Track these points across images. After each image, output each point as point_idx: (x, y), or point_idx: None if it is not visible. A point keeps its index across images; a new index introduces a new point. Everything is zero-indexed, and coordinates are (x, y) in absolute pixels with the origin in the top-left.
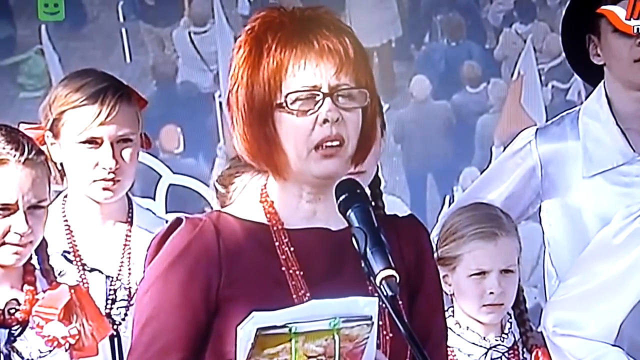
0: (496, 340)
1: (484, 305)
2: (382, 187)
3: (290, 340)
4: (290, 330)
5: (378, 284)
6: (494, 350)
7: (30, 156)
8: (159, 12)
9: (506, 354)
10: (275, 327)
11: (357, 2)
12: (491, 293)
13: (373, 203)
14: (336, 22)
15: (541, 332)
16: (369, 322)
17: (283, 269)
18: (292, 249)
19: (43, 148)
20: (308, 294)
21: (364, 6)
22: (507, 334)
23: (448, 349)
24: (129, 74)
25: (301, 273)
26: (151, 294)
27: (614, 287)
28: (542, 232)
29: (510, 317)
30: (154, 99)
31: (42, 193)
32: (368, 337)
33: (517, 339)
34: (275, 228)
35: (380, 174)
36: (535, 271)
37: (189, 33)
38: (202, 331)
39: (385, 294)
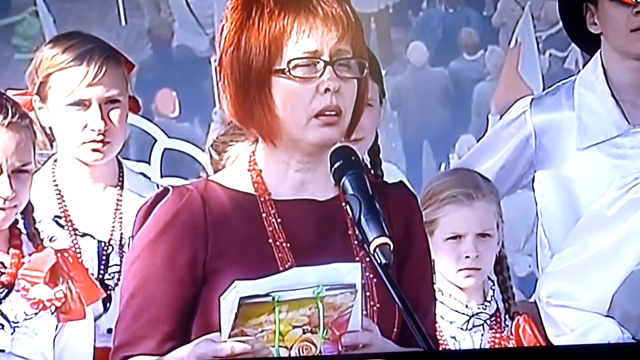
0: (478, 307)
1: (460, 270)
2: (381, 155)
3: (274, 309)
4: (273, 299)
5: (372, 252)
6: (476, 318)
7: (13, 119)
8: None
9: (488, 321)
10: (258, 295)
11: None
12: (467, 257)
13: (372, 171)
14: None
15: (534, 302)
16: (352, 289)
17: (270, 240)
18: (279, 220)
19: (31, 114)
20: (294, 266)
21: None
22: (489, 302)
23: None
24: (124, 36)
25: (288, 245)
26: (137, 265)
27: (607, 258)
28: (535, 201)
29: (493, 284)
30: (150, 63)
31: (27, 157)
32: (352, 306)
33: (499, 306)
34: (262, 199)
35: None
36: (530, 240)
37: None
38: (189, 303)
39: (379, 261)
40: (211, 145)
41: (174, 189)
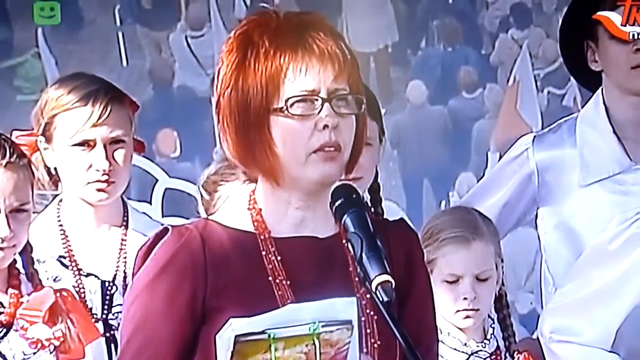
0: (477, 346)
1: (458, 311)
2: (381, 193)
3: (270, 346)
4: (269, 336)
5: (374, 290)
6: (476, 356)
7: (12, 159)
8: (155, 16)
9: (488, 359)
10: (253, 333)
11: (354, 7)
12: (465, 299)
13: (373, 209)
14: (330, 27)
15: (537, 338)
16: (348, 326)
17: (270, 278)
18: (279, 258)
19: (36, 154)
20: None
21: (361, 11)
22: (489, 339)
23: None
24: (125, 77)
25: (288, 282)
26: (137, 304)
27: (610, 293)
28: (538, 238)
29: (493, 322)
30: (151, 103)
31: (25, 196)
32: (350, 342)
33: (499, 343)
34: (262, 237)
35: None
36: (532, 277)
37: (186, 37)
38: (189, 342)
39: (381, 299)
40: (201, 185)
41: (174, 228)
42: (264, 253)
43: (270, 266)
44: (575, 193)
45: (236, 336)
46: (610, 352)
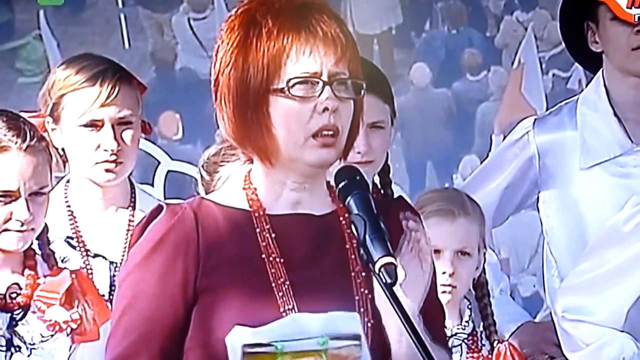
0: (456, 328)
1: None
2: (391, 175)
3: None
4: (276, 348)
5: (377, 272)
6: (455, 338)
7: (32, 143)
8: None
9: (466, 340)
10: (260, 344)
11: None
12: (443, 273)
13: (382, 191)
14: (333, 10)
15: (538, 323)
16: (357, 342)
17: (263, 256)
18: (273, 235)
19: (44, 135)
20: (287, 282)
21: None
22: (467, 322)
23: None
24: (127, 59)
25: (281, 260)
26: (130, 281)
27: (623, 273)
28: (540, 221)
29: (469, 304)
30: (153, 85)
31: (44, 180)
32: (360, 357)
33: (476, 325)
34: (256, 214)
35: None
36: (534, 260)
37: (188, 19)
38: (181, 320)
39: (384, 280)
40: (202, 166)
41: (168, 206)
42: (258, 230)
43: (264, 243)
44: (576, 176)
45: (243, 346)
46: (621, 331)
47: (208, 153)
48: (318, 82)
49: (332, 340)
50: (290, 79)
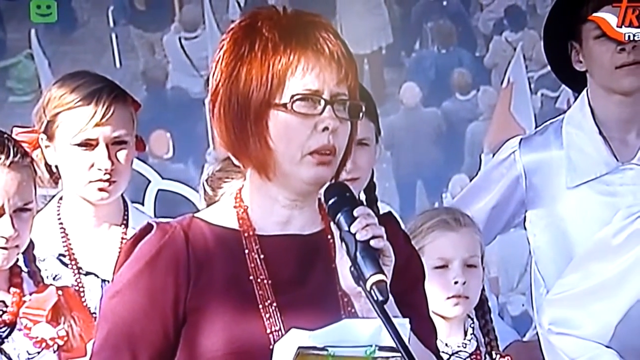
0: (458, 346)
1: (448, 298)
2: (377, 193)
3: None
4: (329, 353)
5: (368, 289)
6: (457, 357)
7: (15, 159)
8: (149, 17)
9: (470, 357)
10: (315, 347)
11: (348, 8)
12: (455, 282)
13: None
14: (336, 30)
15: (527, 342)
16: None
17: (251, 277)
18: (262, 256)
19: (37, 151)
20: (275, 304)
21: (355, 13)
22: (470, 340)
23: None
24: (119, 78)
25: (269, 282)
26: (118, 299)
27: (611, 287)
28: (528, 240)
29: (473, 322)
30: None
31: (28, 196)
32: None
33: (479, 342)
34: (246, 234)
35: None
36: (523, 279)
37: (180, 38)
38: (170, 340)
39: (375, 298)
40: (206, 181)
41: (158, 225)
42: (247, 251)
43: (252, 265)
44: (562, 195)
45: (299, 347)
46: (607, 347)
47: (213, 169)
48: (320, 101)
49: (380, 351)
50: (293, 95)
